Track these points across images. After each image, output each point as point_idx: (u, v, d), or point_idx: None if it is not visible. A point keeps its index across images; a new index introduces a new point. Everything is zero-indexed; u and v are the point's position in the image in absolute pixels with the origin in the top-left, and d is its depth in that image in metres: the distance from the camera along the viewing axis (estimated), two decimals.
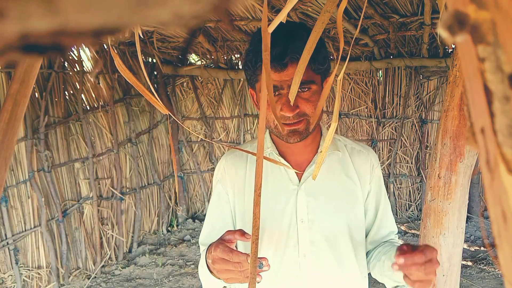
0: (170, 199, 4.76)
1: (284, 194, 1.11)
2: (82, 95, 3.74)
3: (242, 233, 0.91)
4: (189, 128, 4.72)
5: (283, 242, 1.10)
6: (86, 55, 3.68)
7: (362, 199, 1.15)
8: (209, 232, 1.17)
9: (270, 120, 1.03)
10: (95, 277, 3.75)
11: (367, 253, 1.20)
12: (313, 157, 1.13)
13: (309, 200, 1.10)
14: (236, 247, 0.98)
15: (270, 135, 1.15)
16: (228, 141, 4.79)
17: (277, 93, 0.97)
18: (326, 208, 1.10)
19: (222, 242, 0.91)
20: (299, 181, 1.11)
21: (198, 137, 4.78)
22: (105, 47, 3.62)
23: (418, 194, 4.70)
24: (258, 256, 0.86)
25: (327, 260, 1.10)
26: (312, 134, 1.09)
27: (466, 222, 2.37)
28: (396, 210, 4.72)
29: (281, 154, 1.13)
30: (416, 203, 4.72)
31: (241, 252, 0.87)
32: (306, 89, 0.98)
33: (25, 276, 3.37)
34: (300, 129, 1.00)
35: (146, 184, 4.41)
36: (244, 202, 1.13)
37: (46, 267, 3.48)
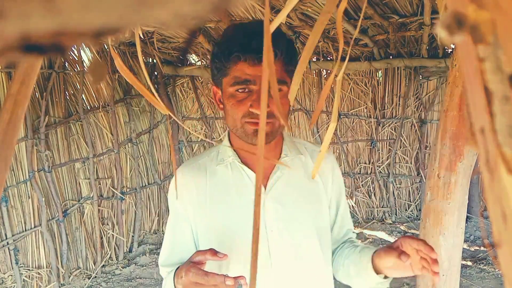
0: None
1: (250, 205, 1.03)
2: (83, 95, 3.74)
3: (214, 252, 0.86)
4: (189, 128, 4.72)
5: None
6: (86, 55, 3.69)
7: (326, 201, 1.12)
8: (169, 254, 1.11)
9: (237, 119, 0.95)
10: (96, 276, 3.76)
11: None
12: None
13: (277, 208, 1.03)
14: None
15: (231, 143, 1.08)
16: None
17: (246, 89, 0.92)
18: (295, 215, 1.04)
19: (194, 265, 0.86)
20: (265, 189, 1.04)
21: (198, 137, 4.78)
22: (106, 47, 3.62)
23: (418, 194, 4.70)
24: (231, 275, 0.82)
25: (297, 268, 1.06)
26: (275, 140, 1.03)
27: (466, 222, 2.37)
28: (396, 210, 4.72)
29: (244, 162, 1.05)
30: (415, 203, 4.72)
31: (217, 274, 0.81)
32: (279, 89, 0.92)
33: (25, 276, 3.37)
34: (267, 130, 0.93)
35: (147, 184, 4.41)
36: (207, 217, 1.05)
37: (46, 267, 3.48)
